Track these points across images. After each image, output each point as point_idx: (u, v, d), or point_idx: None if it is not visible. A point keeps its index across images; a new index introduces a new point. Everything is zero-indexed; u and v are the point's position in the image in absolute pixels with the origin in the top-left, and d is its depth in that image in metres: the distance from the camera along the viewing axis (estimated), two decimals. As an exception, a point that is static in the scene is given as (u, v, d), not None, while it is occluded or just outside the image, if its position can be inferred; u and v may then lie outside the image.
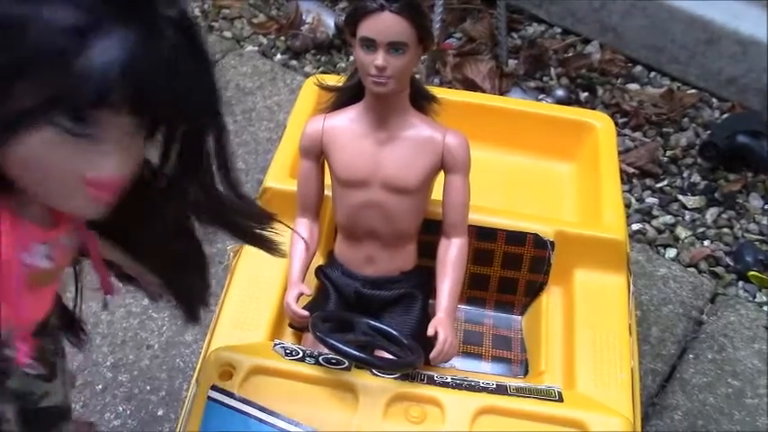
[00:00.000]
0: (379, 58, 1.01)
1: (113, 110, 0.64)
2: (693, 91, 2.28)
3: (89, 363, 1.54)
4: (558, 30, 2.46)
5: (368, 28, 1.01)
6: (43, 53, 0.60)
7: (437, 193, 1.16)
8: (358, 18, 1.02)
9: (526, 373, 1.22)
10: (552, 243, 1.23)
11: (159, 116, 0.69)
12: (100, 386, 1.51)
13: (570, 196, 1.41)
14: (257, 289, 1.19)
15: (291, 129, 1.35)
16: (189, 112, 0.69)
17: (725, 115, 2.21)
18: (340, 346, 0.99)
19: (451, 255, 1.12)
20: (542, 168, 1.46)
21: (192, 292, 0.92)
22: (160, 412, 1.48)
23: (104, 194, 0.69)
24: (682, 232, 1.93)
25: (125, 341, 1.59)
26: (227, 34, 2.38)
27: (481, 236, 1.24)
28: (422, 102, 1.14)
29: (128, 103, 0.63)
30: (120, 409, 1.48)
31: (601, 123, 1.43)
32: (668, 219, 1.96)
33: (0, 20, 0.59)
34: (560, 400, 1.04)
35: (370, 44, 1.02)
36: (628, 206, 1.94)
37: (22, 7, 0.60)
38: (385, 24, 1.00)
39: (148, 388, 1.51)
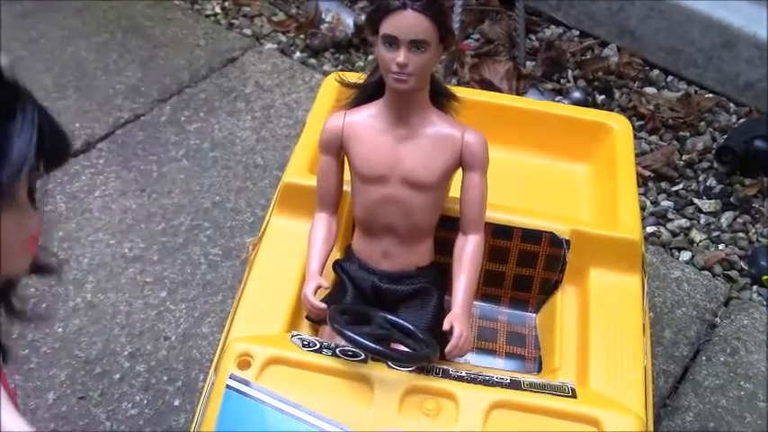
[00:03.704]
0: (401, 56, 1.03)
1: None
2: (711, 95, 2.28)
3: (107, 352, 1.57)
4: (576, 32, 2.47)
5: (390, 25, 1.03)
6: None
7: (455, 190, 1.17)
8: (381, 16, 1.03)
9: (540, 369, 1.23)
10: (568, 242, 1.24)
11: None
12: (117, 375, 1.53)
13: (586, 197, 1.41)
14: (275, 282, 1.21)
15: (311, 125, 1.37)
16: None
17: (742, 120, 2.21)
18: (357, 337, 1.00)
19: (468, 251, 1.13)
20: (559, 169, 1.47)
21: None
22: (177, 402, 1.50)
23: (35, 246, 0.75)
24: (696, 235, 1.94)
25: (143, 332, 1.61)
26: (247, 32, 2.41)
27: (497, 233, 1.25)
28: (441, 99, 1.15)
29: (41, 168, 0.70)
30: (138, 398, 1.50)
31: (618, 125, 1.44)
32: (683, 222, 1.97)
33: None
34: (574, 396, 1.05)
35: (392, 41, 1.03)
36: (643, 209, 1.95)
37: None
38: (407, 22, 1.02)
39: (165, 378, 1.53)
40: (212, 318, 1.64)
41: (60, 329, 1.59)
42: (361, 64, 2.33)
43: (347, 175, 1.19)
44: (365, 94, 1.15)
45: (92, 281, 1.68)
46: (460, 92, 1.25)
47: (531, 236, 1.25)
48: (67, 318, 1.61)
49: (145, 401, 1.50)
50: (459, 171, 1.15)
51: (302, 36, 2.39)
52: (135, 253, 1.75)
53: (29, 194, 0.73)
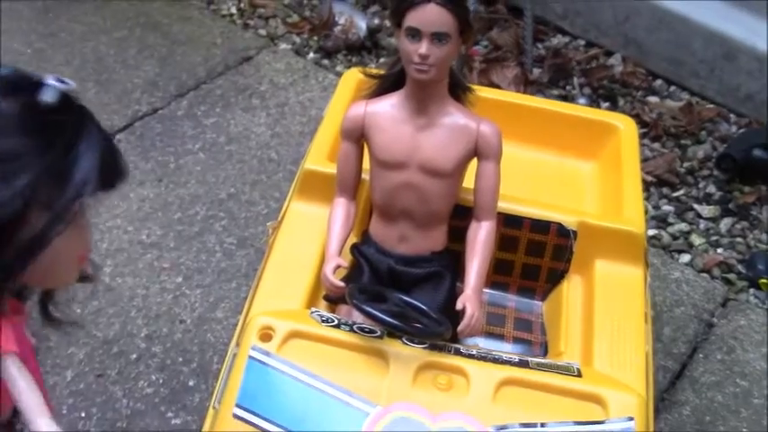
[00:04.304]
0: (423, 47, 1.09)
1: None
2: (712, 106, 2.35)
3: (124, 333, 1.62)
4: (582, 42, 2.53)
5: (414, 18, 1.08)
6: (43, 179, 0.70)
7: (468, 180, 1.23)
8: (404, 9, 1.09)
9: (545, 354, 1.28)
10: (575, 233, 1.29)
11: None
12: (134, 356, 1.58)
13: (592, 192, 1.47)
14: (294, 262, 1.26)
15: (330, 116, 1.43)
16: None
17: (742, 130, 2.28)
18: (375, 312, 1.05)
19: (481, 236, 1.19)
20: (567, 166, 1.52)
21: None
22: (191, 383, 1.55)
23: (85, 261, 0.81)
24: (696, 239, 1.99)
25: (159, 315, 1.66)
26: (262, 32, 2.47)
27: (507, 223, 1.30)
28: (458, 92, 1.21)
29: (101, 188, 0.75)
30: (153, 377, 1.55)
31: (623, 125, 1.49)
32: (683, 226, 2.02)
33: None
34: (579, 375, 1.10)
35: (414, 34, 1.09)
36: (644, 213, 2.00)
37: (15, 140, 0.70)
38: (430, 15, 1.08)
39: (180, 360, 1.58)
40: (226, 303, 1.69)
41: (79, 310, 1.64)
42: (373, 66, 2.40)
43: (366, 164, 1.24)
44: (386, 84, 1.21)
45: (110, 265, 1.74)
46: (475, 89, 1.30)
47: (540, 226, 1.31)
48: (86, 299, 1.66)
49: (160, 381, 1.54)
50: (474, 162, 1.21)
51: (316, 38, 2.46)
52: (152, 240, 1.80)
53: (83, 212, 0.77)
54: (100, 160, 0.73)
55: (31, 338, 0.89)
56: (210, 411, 1.18)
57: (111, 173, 0.76)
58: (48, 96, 0.72)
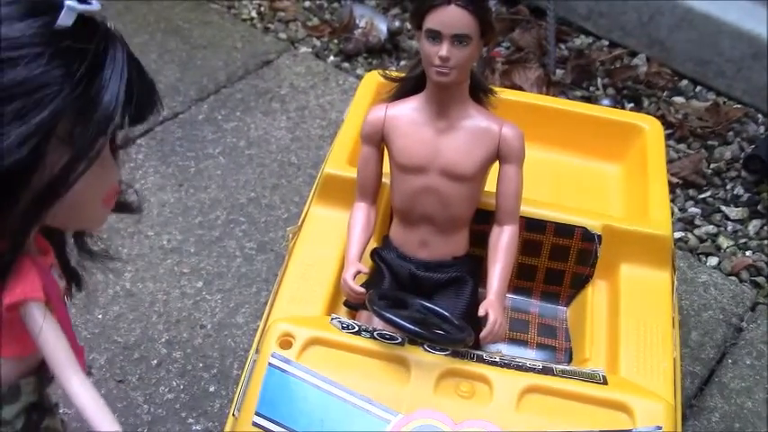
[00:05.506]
0: (444, 49, 1.07)
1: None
2: (739, 106, 2.30)
3: (145, 338, 1.61)
4: (606, 42, 2.50)
5: (434, 20, 1.07)
6: (64, 114, 0.63)
7: (490, 184, 1.21)
8: (425, 11, 1.08)
9: (570, 360, 1.26)
10: (599, 237, 1.27)
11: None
12: (155, 361, 1.58)
13: (618, 195, 1.45)
14: (314, 267, 1.25)
15: (350, 119, 1.41)
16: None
17: (770, 130, 2.23)
18: (396, 319, 1.04)
19: (503, 241, 1.17)
20: (591, 168, 1.50)
21: None
22: (212, 389, 1.54)
23: (113, 201, 0.74)
24: (724, 242, 1.95)
25: (179, 320, 1.65)
26: (282, 36, 2.46)
27: (530, 227, 1.28)
28: (479, 94, 1.19)
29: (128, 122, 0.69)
30: (174, 383, 1.54)
31: (649, 126, 1.47)
32: (710, 228, 1.99)
33: (17, 88, 0.62)
34: (605, 383, 1.07)
35: (435, 36, 1.07)
36: (671, 215, 1.97)
37: (32, 69, 0.62)
38: (450, 17, 1.06)
39: (201, 365, 1.57)
40: (247, 308, 1.68)
41: (100, 316, 1.64)
42: (393, 69, 2.38)
43: (386, 168, 1.23)
44: (407, 87, 1.20)
45: (131, 270, 1.73)
46: (497, 91, 1.28)
47: (564, 230, 1.28)
48: (107, 305, 1.66)
49: (181, 387, 1.54)
50: (496, 165, 1.19)
51: (336, 41, 2.45)
52: (173, 245, 1.80)
53: (111, 148, 0.71)
54: (127, 90, 0.65)
55: (61, 282, 0.80)
56: (230, 419, 1.17)
57: (140, 103, 0.67)
58: (65, 19, 0.64)
